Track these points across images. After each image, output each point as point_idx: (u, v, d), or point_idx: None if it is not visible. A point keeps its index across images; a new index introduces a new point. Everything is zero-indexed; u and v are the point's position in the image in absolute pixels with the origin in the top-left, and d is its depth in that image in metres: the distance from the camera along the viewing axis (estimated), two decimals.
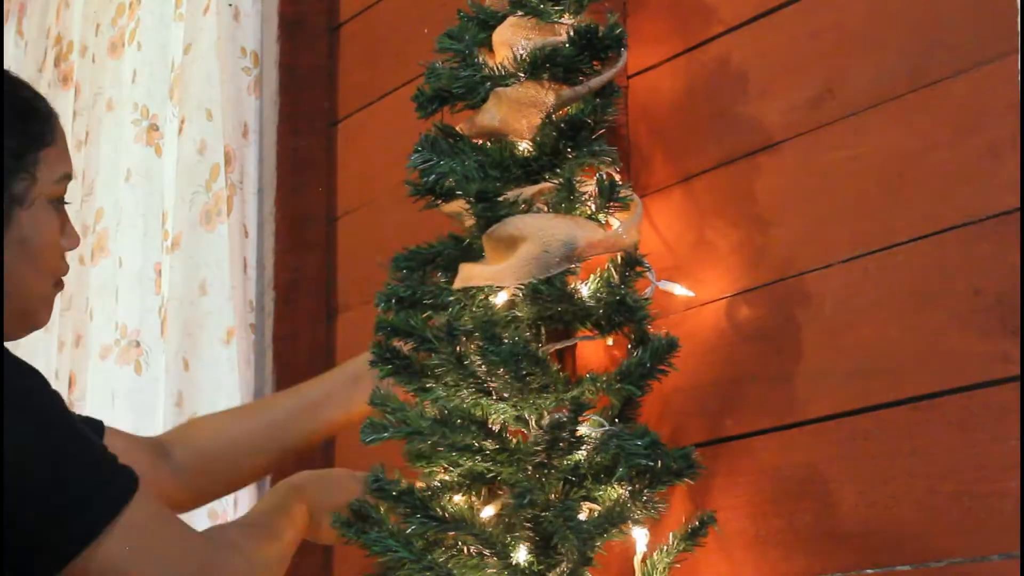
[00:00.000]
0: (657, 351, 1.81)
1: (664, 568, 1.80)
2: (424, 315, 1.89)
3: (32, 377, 1.67)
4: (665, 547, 1.81)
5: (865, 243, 1.75)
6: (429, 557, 1.75)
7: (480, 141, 1.94)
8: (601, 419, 1.82)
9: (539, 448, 1.77)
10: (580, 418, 1.78)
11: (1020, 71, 1.61)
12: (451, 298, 1.89)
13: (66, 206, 1.82)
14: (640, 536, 1.83)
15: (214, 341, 2.67)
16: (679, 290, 1.91)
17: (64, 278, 1.82)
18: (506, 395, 1.80)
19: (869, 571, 1.70)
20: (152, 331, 2.81)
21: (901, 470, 1.68)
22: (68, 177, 1.80)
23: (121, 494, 1.66)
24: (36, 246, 1.75)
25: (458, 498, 1.83)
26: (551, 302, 1.83)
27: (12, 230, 1.73)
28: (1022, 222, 1.59)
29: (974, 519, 1.60)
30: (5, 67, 1.80)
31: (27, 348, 2.36)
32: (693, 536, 1.81)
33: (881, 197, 1.74)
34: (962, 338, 1.63)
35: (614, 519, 1.76)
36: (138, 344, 2.82)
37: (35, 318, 1.80)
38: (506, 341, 1.78)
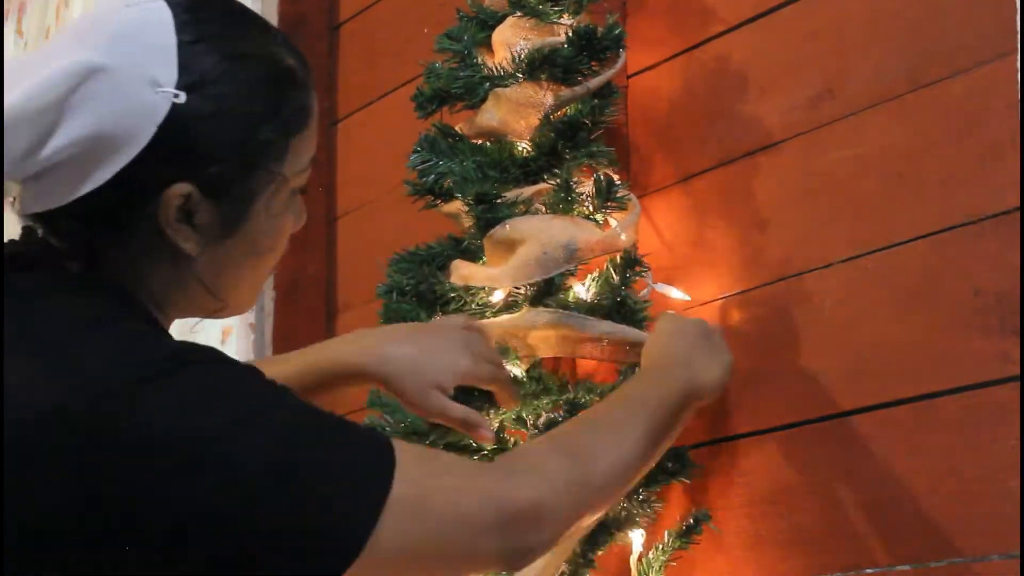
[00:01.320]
0: None
1: (660, 567, 1.80)
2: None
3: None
4: (661, 545, 1.81)
5: (865, 243, 1.75)
6: None
7: (479, 141, 1.94)
8: None
9: None
10: None
11: (1020, 71, 1.60)
12: (452, 294, 1.89)
13: None
14: (636, 536, 1.83)
15: (210, 341, 2.67)
16: (675, 293, 1.91)
17: None
18: None
19: (869, 571, 1.70)
20: None
21: (901, 470, 1.68)
22: (314, 159, 1.46)
23: (379, 482, 1.29)
24: (267, 247, 1.43)
25: None
26: (551, 303, 1.83)
27: (244, 225, 1.39)
28: (1022, 222, 1.58)
29: (974, 519, 1.60)
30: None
31: None
32: (688, 534, 1.81)
33: (881, 197, 1.74)
34: (962, 338, 1.63)
35: (618, 523, 1.76)
36: None
37: (239, 310, 1.48)
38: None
